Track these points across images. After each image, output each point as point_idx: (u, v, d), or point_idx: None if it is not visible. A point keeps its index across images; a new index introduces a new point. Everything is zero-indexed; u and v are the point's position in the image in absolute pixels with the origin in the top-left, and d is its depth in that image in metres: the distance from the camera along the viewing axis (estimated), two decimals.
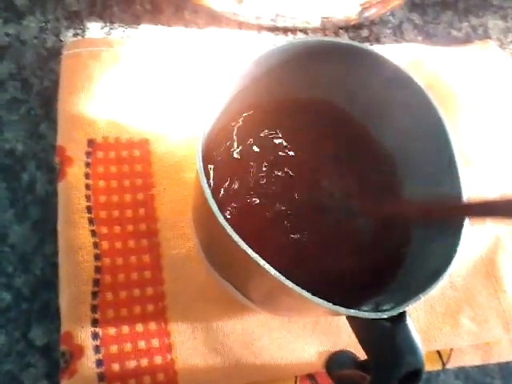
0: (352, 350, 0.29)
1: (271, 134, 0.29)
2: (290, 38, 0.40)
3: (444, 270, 0.22)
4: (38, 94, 0.34)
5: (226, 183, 0.27)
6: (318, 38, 0.29)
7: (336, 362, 0.29)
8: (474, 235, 0.34)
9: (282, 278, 0.20)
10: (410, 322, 0.21)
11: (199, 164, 0.22)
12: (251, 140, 0.28)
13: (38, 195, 0.31)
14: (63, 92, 0.33)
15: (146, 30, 0.38)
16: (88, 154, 0.32)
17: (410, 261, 0.26)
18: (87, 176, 0.31)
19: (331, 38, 0.27)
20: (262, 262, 0.20)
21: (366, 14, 0.41)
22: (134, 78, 0.34)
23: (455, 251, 0.22)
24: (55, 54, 0.35)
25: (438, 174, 0.26)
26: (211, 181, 0.26)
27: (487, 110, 0.39)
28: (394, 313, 0.21)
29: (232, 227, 0.20)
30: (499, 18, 0.46)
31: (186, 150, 0.33)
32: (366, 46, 0.26)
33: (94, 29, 0.37)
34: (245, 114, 0.28)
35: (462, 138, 0.36)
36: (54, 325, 0.28)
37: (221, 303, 0.30)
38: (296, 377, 0.29)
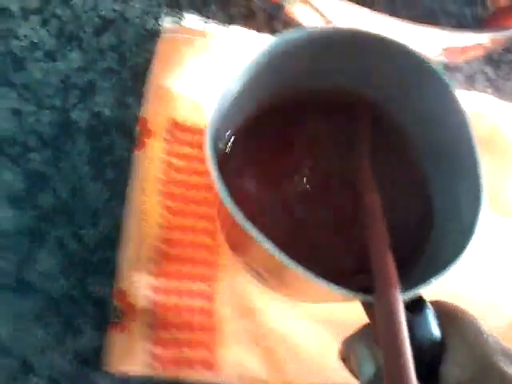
0: None
1: (290, 129, 0.29)
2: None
3: (458, 256, 0.21)
4: (131, 68, 0.36)
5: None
6: (340, 28, 0.26)
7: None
8: None
9: (299, 267, 0.20)
10: (430, 311, 0.20)
11: (211, 160, 0.21)
12: (267, 133, 0.29)
13: (114, 158, 0.33)
14: (155, 70, 0.35)
15: (236, 30, 0.40)
16: (168, 131, 0.34)
17: (430, 247, 0.25)
18: (164, 151, 0.33)
19: (355, 29, 0.25)
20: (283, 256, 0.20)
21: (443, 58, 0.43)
22: (222, 69, 0.36)
23: (471, 235, 0.21)
24: (152, 35, 0.37)
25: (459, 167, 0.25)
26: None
27: None
28: (406, 297, 0.20)
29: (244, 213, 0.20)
30: None
31: None
32: (391, 37, 0.25)
33: (191, 20, 0.39)
34: (260, 107, 0.28)
35: None
36: (109, 280, 0.29)
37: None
38: None
